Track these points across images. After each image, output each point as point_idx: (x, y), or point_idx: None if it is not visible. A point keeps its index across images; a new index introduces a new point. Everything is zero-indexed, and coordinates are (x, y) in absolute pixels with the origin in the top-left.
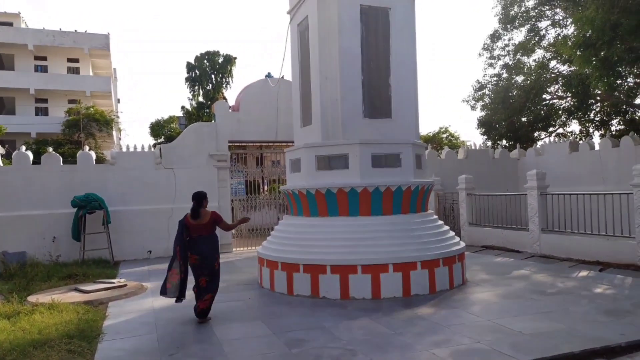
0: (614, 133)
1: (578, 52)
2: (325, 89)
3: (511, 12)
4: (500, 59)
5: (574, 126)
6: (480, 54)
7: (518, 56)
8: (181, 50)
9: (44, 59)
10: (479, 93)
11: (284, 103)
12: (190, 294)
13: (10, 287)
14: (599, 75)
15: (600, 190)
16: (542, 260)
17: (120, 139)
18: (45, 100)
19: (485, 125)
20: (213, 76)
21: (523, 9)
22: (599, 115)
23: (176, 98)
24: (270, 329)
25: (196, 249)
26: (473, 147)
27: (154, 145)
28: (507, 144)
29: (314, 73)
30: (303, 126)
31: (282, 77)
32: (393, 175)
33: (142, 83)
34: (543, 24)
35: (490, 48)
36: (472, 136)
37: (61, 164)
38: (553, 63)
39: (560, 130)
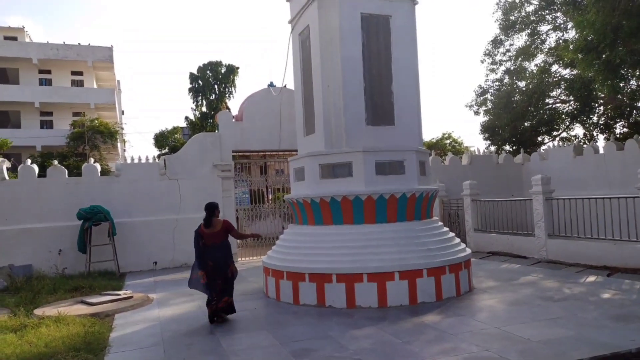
0: (618, 136)
1: (580, 56)
2: (328, 97)
3: (511, 17)
4: (502, 64)
5: (578, 130)
6: (482, 60)
7: (519, 61)
8: (184, 61)
9: (48, 72)
10: (482, 98)
11: (287, 112)
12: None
13: (17, 301)
14: (603, 79)
15: (606, 193)
16: (549, 265)
17: (124, 150)
18: (50, 114)
19: (489, 130)
20: (216, 86)
21: (523, 13)
22: (602, 118)
23: (180, 109)
24: (277, 339)
25: (211, 256)
26: (477, 153)
27: (159, 156)
28: (510, 149)
29: (316, 81)
30: (306, 135)
31: (285, 86)
32: (397, 183)
33: (146, 94)
34: (543, 28)
35: (491, 53)
36: (476, 141)
37: (66, 176)
38: (555, 67)
39: (564, 134)
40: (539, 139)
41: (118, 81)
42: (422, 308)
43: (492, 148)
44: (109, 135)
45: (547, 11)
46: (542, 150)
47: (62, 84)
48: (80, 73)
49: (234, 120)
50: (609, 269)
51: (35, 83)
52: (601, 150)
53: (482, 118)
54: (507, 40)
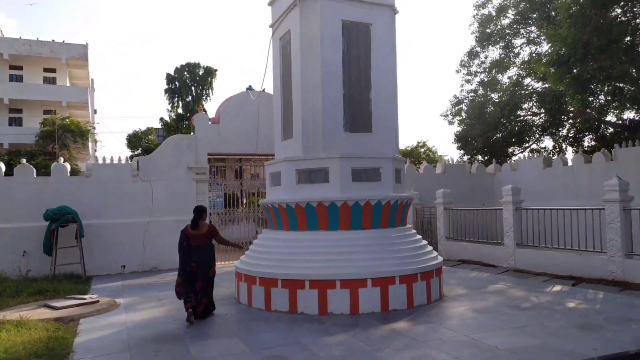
0: (586, 149)
1: (552, 70)
2: (307, 102)
3: (487, 30)
4: (476, 76)
5: (547, 142)
6: (457, 70)
7: (493, 73)
8: (161, 62)
9: (20, 68)
10: (456, 108)
11: (265, 116)
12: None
13: None
14: (573, 93)
15: (574, 205)
16: (517, 274)
17: (95, 150)
18: (19, 111)
19: (462, 140)
20: (193, 88)
21: (499, 27)
22: (571, 131)
23: (155, 110)
24: (247, 346)
25: (194, 257)
26: (450, 162)
27: (131, 157)
28: (482, 159)
29: (295, 86)
30: (284, 139)
31: (263, 90)
32: (373, 190)
33: (121, 94)
34: (518, 41)
35: (467, 64)
36: (449, 151)
37: (34, 175)
38: (527, 80)
39: (534, 146)
40: (510, 149)
41: (92, 79)
42: (393, 315)
43: (465, 157)
44: (79, 134)
45: (522, 25)
46: (513, 161)
47: (33, 81)
48: (53, 70)
49: (210, 122)
50: (574, 279)
51: (5, 79)
52: (570, 163)
53: (456, 128)
54: (483, 52)
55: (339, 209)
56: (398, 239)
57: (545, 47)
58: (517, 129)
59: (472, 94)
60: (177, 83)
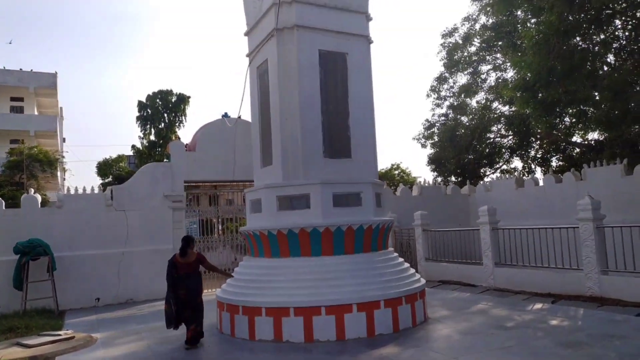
0: (554, 169)
1: (518, 94)
2: (286, 129)
3: (455, 57)
4: (446, 100)
5: (517, 163)
6: (428, 95)
7: (462, 97)
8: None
9: None
10: (429, 132)
11: (242, 142)
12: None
13: None
14: (538, 116)
15: (547, 223)
16: (497, 293)
17: (64, 179)
18: None
19: (435, 162)
20: (166, 115)
21: (466, 54)
22: (539, 152)
23: (126, 137)
24: None
25: (183, 285)
26: (425, 184)
27: (102, 185)
28: (456, 180)
29: (274, 114)
30: (263, 166)
31: (240, 117)
32: (354, 214)
33: (91, 122)
34: (484, 67)
35: (436, 89)
36: (423, 172)
37: (3, 207)
38: (495, 104)
39: (505, 167)
40: (482, 170)
41: (61, 108)
42: (380, 340)
43: (439, 179)
44: (48, 163)
45: (488, 52)
46: (486, 182)
47: (0, 110)
48: (21, 99)
49: (186, 150)
50: (553, 296)
51: None
52: (541, 183)
53: (429, 150)
54: (451, 77)
55: (321, 234)
56: (381, 262)
57: (510, 73)
58: (487, 150)
59: (443, 118)
60: (149, 110)
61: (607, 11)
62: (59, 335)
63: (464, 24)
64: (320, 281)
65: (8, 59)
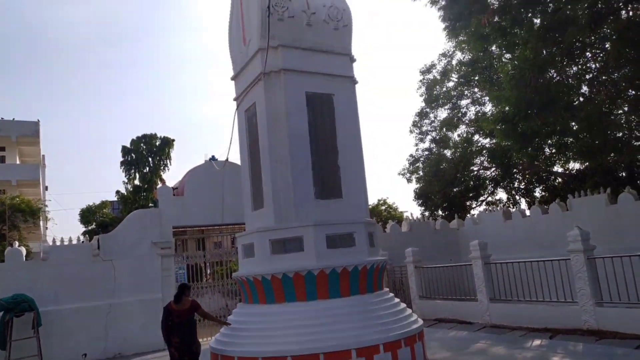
0: (538, 199)
1: (498, 127)
2: (276, 172)
3: (434, 92)
4: (428, 134)
5: (502, 194)
6: (411, 130)
7: (444, 131)
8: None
9: None
10: (414, 166)
11: (230, 185)
12: None
13: None
14: (519, 148)
15: (537, 255)
16: (494, 330)
17: (47, 228)
18: None
19: (422, 196)
20: (150, 159)
21: (444, 89)
22: (522, 183)
23: (110, 183)
24: None
25: (178, 332)
26: (414, 219)
27: (85, 233)
28: (443, 214)
29: (263, 157)
30: (254, 209)
31: (227, 160)
32: (348, 256)
33: (74, 168)
34: (464, 102)
35: (418, 124)
36: (409, 206)
37: None
38: (476, 137)
39: (490, 199)
40: (468, 203)
41: (43, 156)
42: None
43: (427, 213)
44: (30, 213)
45: (466, 87)
46: (475, 216)
47: None
48: (2, 148)
49: (174, 194)
50: (550, 331)
51: None
52: (528, 214)
53: (414, 185)
54: (432, 112)
55: (316, 277)
56: (377, 304)
57: (489, 107)
58: (472, 183)
59: (426, 152)
60: (133, 155)
61: (577, 44)
62: None
63: (441, 60)
64: (318, 327)
65: None
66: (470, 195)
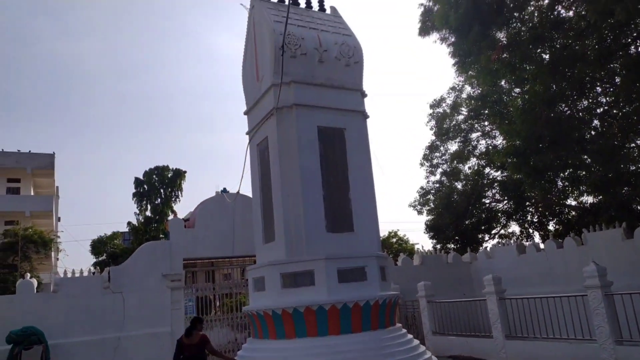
0: (552, 233)
1: (509, 160)
2: (288, 205)
3: (444, 126)
4: (439, 167)
5: (515, 227)
6: (421, 163)
7: (455, 164)
8: (130, 166)
9: None
10: (425, 198)
11: (241, 217)
12: None
13: None
14: (531, 182)
15: (551, 290)
16: None
17: (58, 259)
18: None
19: (433, 229)
20: (162, 190)
21: (454, 122)
22: (536, 216)
23: (122, 213)
24: None
25: None
26: (426, 252)
27: (96, 265)
28: (455, 247)
29: (275, 191)
30: (265, 242)
31: (238, 192)
32: (360, 290)
33: (87, 199)
34: (474, 135)
35: (429, 157)
36: (421, 238)
37: None
38: (487, 169)
39: (503, 232)
40: (480, 236)
41: (57, 187)
42: None
43: (438, 246)
44: (42, 244)
45: (476, 120)
46: (488, 249)
47: None
48: (18, 180)
49: (185, 226)
50: None
51: None
52: (542, 247)
53: (425, 217)
54: (442, 145)
55: (328, 312)
56: (390, 340)
57: (500, 140)
58: (484, 216)
59: (437, 185)
60: (145, 186)
61: (587, 79)
62: None
63: (450, 94)
64: None
65: (5, 140)
66: (483, 228)
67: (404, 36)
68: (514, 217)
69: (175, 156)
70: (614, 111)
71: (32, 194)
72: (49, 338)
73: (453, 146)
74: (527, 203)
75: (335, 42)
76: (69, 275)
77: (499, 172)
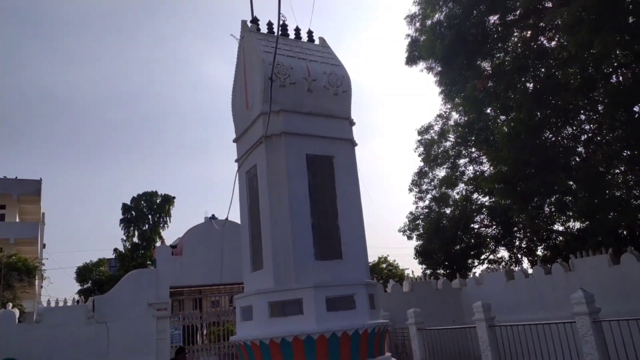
0: (540, 258)
1: (497, 186)
2: (276, 233)
3: (432, 152)
4: (428, 193)
5: (503, 252)
6: (410, 189)
7: (443, 189)
8: (118, 192)
9: None
10: (414, 224)
11: (229, 244)
12: None
13: None
14: (519, 207)
15: (540, 316)
16: None
17: (42, 287)
18: None
19: (423, 254)
20: (150, 216)
21: (442, 149)
22: (524, 241)
23: (108, 240)
24: None
25: None
26: (415, 279)
27: (80, 292)
28: (444, 272)
29: (264, 218)
30: (253, 270)
31: (227, 219)
32: (349, 319)
33: (72, 225)
34: (461, 161)
35: (417, 183)
36: (410, 263)
37: None
38: (475, 195)
39: (492, 257)
40: (469, 261)
41: (43, 214)
42: None
43: (428, 272)
44: (26, 272)
45: (463, 147)
46: (477, 275)
47: None
48: (3, 206)
49: (172, 254)
50: None
51: None
52: (530, 272)
53: (415, 242)
54: (431, 172)
55: (316, 342)
56: None
57: (487, 166)
58: (473, 241)
59: (426, 210)
60: (133, 212)
61: (571, 107)
62: None
63: (437, 121)
64: None
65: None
66: (472, 253)
67: (390, 65)
68: (502, 242)
69: (164, 182)
70: (598, 138)
71: (17, 220)
72: None
73: (441, 172)
74: (515, 228)
75: (323, 71)
76: (52, 304)
77: (487, 198)
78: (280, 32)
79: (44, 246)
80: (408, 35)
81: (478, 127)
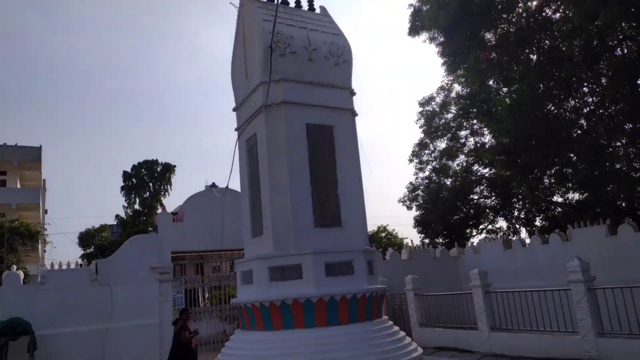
0: (539, 228)
1: (498, 158)
2: (276, 201)
3: (434, 124)
4: (428, 164)
5: (502, 223)
6: (410, 160)
7: (444, 160)
8: (118, 160)
9: None
10: (413, 194)
11: (230, 211)
12: None
13: None
14: (519, 179)
15: (537, 284)
16: (495, 359)
17: (45, 251)
18: None
19: (422, 224)
20: (151, 184)
21: (443, 120)
22: (523, 212)
23: (110, 207)
24: None
25: (170, 352)
26: (414, 247)
27: (84, 257)
28: (443, 241)
29: (264, 186)
30: (254, 237)
31: (227, 187)
32: (347, 284)
33: (74, 192)
34: (462, 133)
35: (418, 154)
36: (409, 233)
37: None
38: (475, 166)
39: (490, 227)
40: (468, 231)
41: (44, 180)
42: None
43: (426, 241)
44: (29, 236)
45: (464, 118)
46: (475, 244)
47: None
48: (4, 173)
49: (173, 220)
50: None
51: None
52: (528, 242)
53: (414, 212)
54: (432, 143)
55: (315, 305)
56: (377, 332)
57: (488, 138)
58: (472, 211)
59: (426, 181)
60: (134, 180)
61: (574, 79)
62: None
63: (439, 93)
64: (315, 354)
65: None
66: (471, 223)
67: (393, 35)
68: (501, 212)
69: (165, 151)
70: (600, 111)
71: (18, 186)
72: (36, 329)
73: (442, 144)
74: (514, 199)
75: (324, 41)
76: (56, 267)
77: (487, 169)
78: (280, 0)
79: (45, 212)
80: (411, 5)
81: (480, 99)
